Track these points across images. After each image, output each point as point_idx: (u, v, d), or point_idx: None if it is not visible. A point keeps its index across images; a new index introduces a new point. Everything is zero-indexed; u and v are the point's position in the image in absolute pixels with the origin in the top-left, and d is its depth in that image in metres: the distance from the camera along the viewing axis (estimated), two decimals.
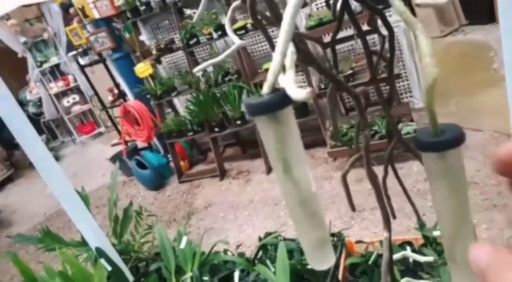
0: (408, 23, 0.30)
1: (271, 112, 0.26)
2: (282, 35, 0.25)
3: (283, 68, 0.26)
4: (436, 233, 1.57)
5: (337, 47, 3.22)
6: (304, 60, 0.36)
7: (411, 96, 3.35)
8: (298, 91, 0.24)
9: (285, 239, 2.08)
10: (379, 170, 0.67)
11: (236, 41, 0.32)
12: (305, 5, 2.98)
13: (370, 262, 1.80)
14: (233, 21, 3.17)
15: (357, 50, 3.23)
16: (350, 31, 2.99)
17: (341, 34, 3.10)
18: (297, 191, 0.28)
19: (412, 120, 2.89)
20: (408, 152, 0.66)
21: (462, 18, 4.83)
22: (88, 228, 1.56)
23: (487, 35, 4.36)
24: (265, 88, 0.26)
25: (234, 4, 0.37)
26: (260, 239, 2.14)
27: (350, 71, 2.81)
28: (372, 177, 0.62)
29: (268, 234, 2.16)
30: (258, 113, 0.26)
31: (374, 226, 2.36)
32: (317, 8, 3.13)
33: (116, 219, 2.19)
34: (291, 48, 0.27)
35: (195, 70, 0.36)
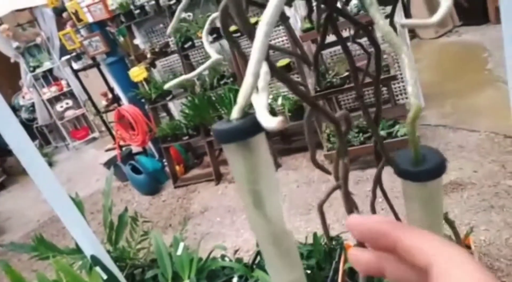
0: (393, 45, 0.28)
1: (241, 140, 0.23)
2: (254, 54, 0.22)
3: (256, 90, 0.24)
4: None
5: (332, 49, 3.22)
6: (280, 79, 0.32)
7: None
8: (269, 119, 0.21)
9: None
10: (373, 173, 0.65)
11: (212, 56, 0.29)
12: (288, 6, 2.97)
13: None
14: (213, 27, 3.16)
15: (352, 52, 3.22)
16: (344, 34, 2.99)
17: (334, 37, 3.11)
18: (269, 227, 0.25)
19: None
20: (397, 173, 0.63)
21: (456, 19, 4.86)
22: (83, 235, 1.52)
23: (481, 36, 4.38)
24: (235, 113, 0.24)
25: (212, 16, 0.34)
26: (258, 244, 2.11)
27: (345, 74, 2.80)
28: (351, 207, 0.59)
29: None
30: (226, 140, 0.24)
31: None
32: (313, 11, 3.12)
33: (111, 225, 2.15)
34: (265, 68, 0.24)
35: (166, 86, 0.34)
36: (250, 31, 0.27)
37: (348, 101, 3.50)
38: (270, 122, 0.21)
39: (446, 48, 4.62)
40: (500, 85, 3.39)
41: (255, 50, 0.22)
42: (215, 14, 0.34)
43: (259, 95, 0.24)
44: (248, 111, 0.24)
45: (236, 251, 2.14)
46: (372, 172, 2.84)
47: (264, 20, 0.22)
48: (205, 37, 0.34)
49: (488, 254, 1.94)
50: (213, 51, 0.31)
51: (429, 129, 3.13)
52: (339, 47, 3.14)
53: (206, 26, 0.34)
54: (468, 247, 1.72)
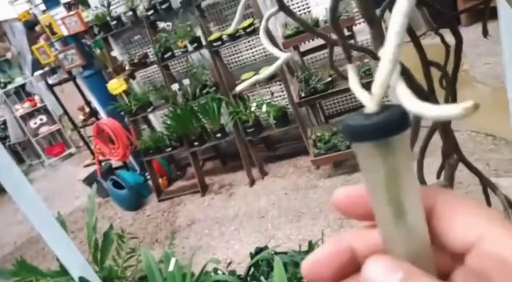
0: None
1: (383, 137, 0.19)
2: (392, 38, 0.19)
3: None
4: None
5: (314, 55, 3.23)
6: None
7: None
8: (449, 108, 0.17)
9: (276, 253, 2.01)
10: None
11: (280, 55, 0.25)
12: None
13: None
14: (209, 32, 3.12)
15: (334, 57, 3.23)
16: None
17: (317, 42, 3.12)
18: (411, 241, 0.22)
19: None
20: None
21: (430, 22, 4.98)
22: (69, 256, 1.44)
23: (453, 38, 4.49)
24: (373, 105, 0.19)
25: (267, 13, 0.30)
26: (251, 255, 2.06)
27: (329, 79, 2.81)
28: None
29: (259, 249, 2.09)
30: (364, 138, 0.19)
31: None
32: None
33: (96, 244, 2.07)
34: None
35: (238, 89, 0.30)
36: (371, 19, 0.24)
37: (332, 106, 3.51)
38: (454, 109, 0.17)
39: None
40: (476, 85, 3.48)
41: (393, 33, 0.18)
42: (271, 10, 0.30)
43: (398, 86, 0.19)
44: (384, 104, 0.19)
45: (229, 264, 2.08)
46: (359, 175, 2.84)
47: (403, 2, 0.18)
48: (262, 34, 0.29)
49: None
50: (276, 50, 0.27)
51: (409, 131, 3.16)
52: (319, 53, 3.15)
53: (263, 23, 0.30)
54: None
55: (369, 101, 0.20)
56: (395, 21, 0.19)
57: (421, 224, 0.21)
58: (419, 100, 0.18)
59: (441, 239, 0.22)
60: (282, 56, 0.26)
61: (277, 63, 0.26)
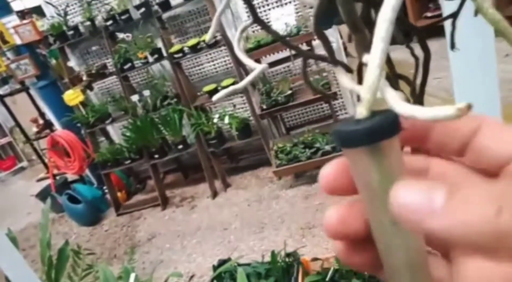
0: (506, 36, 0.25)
1: (376, 141, 0.19)
2: (379, 43, 0.19)
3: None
4: None
5: (274, 68, 3.29)
6: None
7: (346, 113, 3.50)
8: (440, 110, 0.17)
9: (239, 265, 2.01)
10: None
11: (256, 67, 0.25)
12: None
13: (327, 279, 1.80)
14: (170, 43, 3.11)
15: (293, 71, 3.32)
16: (286, 53, 3.08)
17: (277, 56, 3.18)
18: (407, 246, 0.21)
19: None
20: None
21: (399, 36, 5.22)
22: (21, 275, 1.36)
23: (405, 54, 4.73)
24: (363, 110, 0.19)
25: (242, 25, 0.31)
26: (214, 267, 2.04)
27: (289, 92, 2.87)
28: None
29: (222, 261, 2.08)
30: (357, 144, 0.19)
31: (325, 242, 2.37)
32: (253, 31, 3.18)
33: (50, 261, 1.97)
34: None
35: (214, 98, 0.30)
36: (354, 25, 0.24)
37: (292, 118, 3.58)
38: (444, 111, 0.17)
39: None
40: (427, 98, 3.65)
41: (379, 39, 0.19)
42: (246, 23, 0.30)
43: (387, 90, 0.19)
44: (375, 110, 0.20)
45: (191, 277, 2.05)
46: (319, 185, 2.90)
47: (389, 4, 0.19)
48: (236, 45, 0.29)
49: None
50: (251, 61, 0.27)
51: None
52: (279, 66, 3.22)
53: (237, 35, 0.30)
54: None
55: (359, 107, 0.20)
56: (381, 27, 0.19)
57: None
58: (409, 104, 0.18)
59: (485, 154, 0.21)
60: (258, 67, 0.26)
61: (254, 73, 0.26)
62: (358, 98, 0.21)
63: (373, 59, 0.19)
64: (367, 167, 0.20)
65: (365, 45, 0.23)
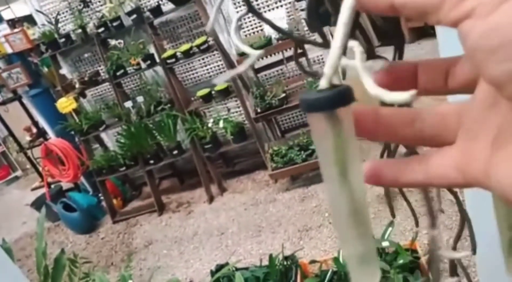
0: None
1: (333, 108, 0.23)
2: (340, 28, 0.22)
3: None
4: None
5: (268, 72, 3.30)
6: None
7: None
8: (395, 94, 0.21)
9: (237, 269, 2.00)
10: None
11: (251, 52, 0.29)
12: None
13: (326, 281, 1.79)
14: (163, 49, 3.11)
15: (286, 74, 3.33)
16: (279, 56, 3.09)
17: (270, 59, 3.19)
18: (352, 195, 0.25)
19: None
20: None
21: (374, 40, 5.25)
22: None
23: (411, 52, 4.76)
24: (324, 83, 0.23)
25: (238, 14, 0.34)
26: (212, 272, 2.04)
27: (283, 95, 2.88)
28: None
29: (219, 266, 2.07)
30: (315, 109, 0.23)
31: (323, 244, 2.37)
32: (246, 35, 3.19)
33: (46, 271, 1.95)
34: (359, 47, 0.24)
35: (216, 80, 0.33)
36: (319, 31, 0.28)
37: (287, 121, 3.59)
38: (398, 96, 0.20)
39: None
40: (421, 97, 3.69)
41: (342, 24, 0.22)
42: (242, 12, 0.34)
43: (363, 76, 0.23)
44: (335, 84, 0.23)
45: None
46: (316, 187, 2.91)
47: None
48: (233, 33, 0.34)
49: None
50: (248, 47, 0.31)
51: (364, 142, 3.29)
52: (273, 70, 3.23)
53: (234, 24, 0.34)
54: (415, 251, 1.80)
55: (322, 80, 0.23)
56: (343, 14, 0.22)
57: (361, 182, 0.26)
58: (380, 89, 0.21)
59: None
60: (255, 53, 0.30)
61: (257, 54, 0.30)
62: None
63: (335, 41, 0.23)
64: (325, 128, 0.24)
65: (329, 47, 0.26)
